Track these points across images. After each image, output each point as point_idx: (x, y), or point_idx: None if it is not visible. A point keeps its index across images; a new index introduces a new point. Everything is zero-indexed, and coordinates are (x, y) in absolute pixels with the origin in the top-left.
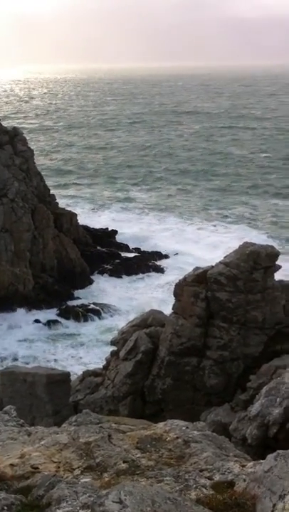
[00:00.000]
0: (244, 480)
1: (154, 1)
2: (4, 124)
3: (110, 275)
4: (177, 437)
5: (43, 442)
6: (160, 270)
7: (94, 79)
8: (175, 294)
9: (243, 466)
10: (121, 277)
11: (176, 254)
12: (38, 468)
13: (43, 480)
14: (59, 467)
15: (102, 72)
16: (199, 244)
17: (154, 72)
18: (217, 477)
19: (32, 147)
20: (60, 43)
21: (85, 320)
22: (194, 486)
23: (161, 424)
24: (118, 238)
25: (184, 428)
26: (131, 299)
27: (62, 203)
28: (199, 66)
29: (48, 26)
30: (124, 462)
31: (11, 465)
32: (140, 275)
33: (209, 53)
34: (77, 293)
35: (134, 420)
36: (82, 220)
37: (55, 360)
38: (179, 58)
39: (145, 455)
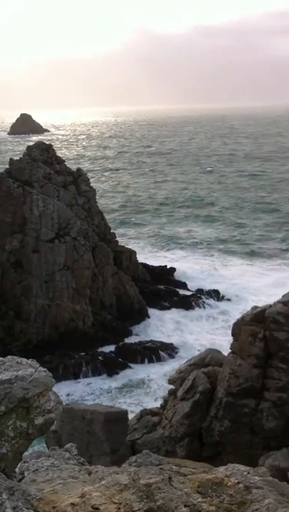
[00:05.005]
0: None
1: (196, 45)
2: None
3: (168, 312)
4: (238, 482)
5: (103, 482)
6: (218, 308)
7: (151, 120)
8: (233, 333)
9: None
10: (178, 315)
11: (236, 290)
12: (98, 508)
13: None
14: (119, 508)
15: (163, 113)
16: (260, 282)
17: (206, 113)
18: None
19: (95, 187)
20: (116, 86)
21: (143, 358)
22: None
23: (222, 469)
24: (176, 276)
25: (245, 473)
26: (189, 337)
27: (121, 240)
28: (247, 107)
29: (105, 69)
30: (185, 506)
31: (72, 504)
32: (198, 313)
33: (256, 94)
34: (135, 330)
35: (195, 463)
36: (141, 258)
37: (112, 398)
38: (224, 99)
39: (206, 500)
